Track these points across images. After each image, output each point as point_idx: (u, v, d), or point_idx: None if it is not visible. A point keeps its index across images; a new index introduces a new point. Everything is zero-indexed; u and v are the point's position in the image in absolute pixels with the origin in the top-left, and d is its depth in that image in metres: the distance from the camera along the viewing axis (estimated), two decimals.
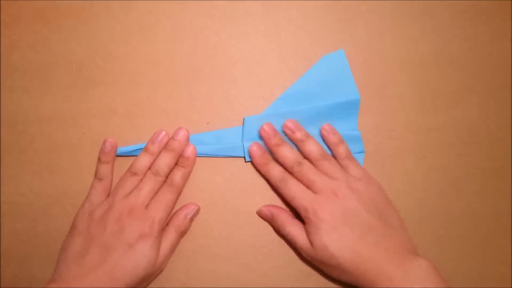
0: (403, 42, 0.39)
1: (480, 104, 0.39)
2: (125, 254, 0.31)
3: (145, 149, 0.36)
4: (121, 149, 0.37)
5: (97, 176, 0.36)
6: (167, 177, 0.36)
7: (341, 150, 0.36)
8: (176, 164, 0.36)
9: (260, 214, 0.37)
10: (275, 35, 0.39)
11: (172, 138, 0.36)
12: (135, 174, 0.35)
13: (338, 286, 0.37)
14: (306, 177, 0.35)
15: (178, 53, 0.38)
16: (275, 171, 0.36)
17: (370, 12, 0.39)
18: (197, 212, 0.37)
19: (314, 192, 0.34)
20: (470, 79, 0.39)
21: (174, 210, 0.37)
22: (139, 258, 0.32)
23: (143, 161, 0.36)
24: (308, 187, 0.35)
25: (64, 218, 0.37)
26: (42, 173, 0.38)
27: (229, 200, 0.38)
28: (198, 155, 0.37)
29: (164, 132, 0.36)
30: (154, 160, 0.36)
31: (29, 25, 0.38)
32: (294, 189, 0.35)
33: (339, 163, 0.36)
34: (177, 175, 0.36)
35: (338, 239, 0.32)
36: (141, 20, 0.38)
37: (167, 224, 0.36)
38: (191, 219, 0.37)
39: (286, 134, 0.37)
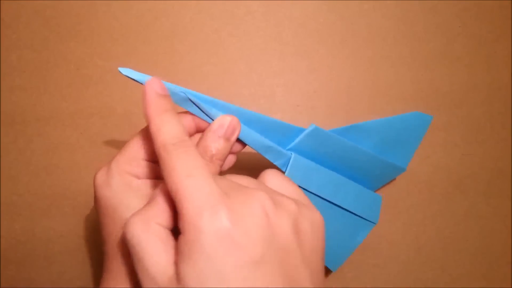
0: (406, 40, 0.39)
1: (484, 103, 0.39)
2: None
3: None
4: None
5: None
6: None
7: None
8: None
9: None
10: (276, 33, 0.39)
11: None
12: None
13: (341, 286, 0.36)
14: None
15: (177, 51, 0.38)
16: (171, 129, 0.22)
17: (372, 10, 0.39)
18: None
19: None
20: (474, 78, 0.39)
21: None
22: None
23: None
24: None
25: (62, 219, 0.37)
26: (39, 174, 0.37)
27: None
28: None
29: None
30: None
31: (27, 24, 0.38)
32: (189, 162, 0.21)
33: None
34: None
35: None
36: (140, 19, 0.38)
37: None
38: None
39: None
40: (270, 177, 0.24)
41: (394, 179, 0.37)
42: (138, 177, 0.25)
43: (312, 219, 0.22)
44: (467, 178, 0.38)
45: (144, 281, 0.20)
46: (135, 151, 0.26)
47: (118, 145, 0.37)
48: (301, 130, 0.29)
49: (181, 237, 0.19)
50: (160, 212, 0.21)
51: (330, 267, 0.33)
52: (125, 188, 0.25)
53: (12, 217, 0.37)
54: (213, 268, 0.18)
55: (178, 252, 0.19)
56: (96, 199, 0.26)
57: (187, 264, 0.18)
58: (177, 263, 0.19)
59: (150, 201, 0.22)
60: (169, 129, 0.22)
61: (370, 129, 0.32)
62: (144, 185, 0.25)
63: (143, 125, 0.37)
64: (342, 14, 0.39)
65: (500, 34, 0.39)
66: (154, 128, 0.23)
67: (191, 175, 0.20)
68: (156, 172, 0.26)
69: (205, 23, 0.38)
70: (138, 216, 0.21)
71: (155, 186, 0.26)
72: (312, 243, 0.22)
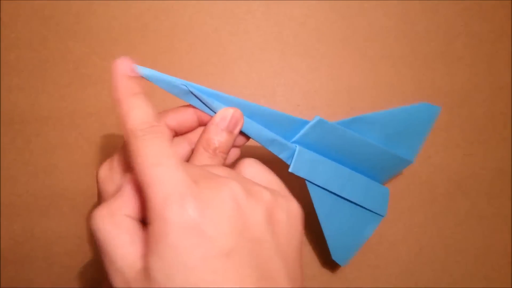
0: (407, 39, 0.39)
1: (486, 103, 0.39)
2: None
3: None
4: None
5: None
6: None
7: None
8: None
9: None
10: (276, 32, 0.38)
11: None
12: None
13: (342, 287, 0.36)
14: None
15: (177, 51, 0.38)
16: (141, 114, 0.21)
17: (373, 9, 0.39)
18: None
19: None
20: (475, 77, 0.39)
21: None
22: None
23: None
24: None
25: (60, 219, 0.37)
26: (38, 174, 0.37)
27: None
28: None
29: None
30: None
31: (26, 24, 0.38)
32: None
33: None
34: None
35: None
36: (139, 18, 0.38)
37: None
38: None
39: None
40: (247, 166, 0.24)
41: (399, 174, 0.37)
42: None
43: (288, 209, 0.21)
44: (469, 178, 0.38)
45: (112, 275, 0.19)
46: None
47: (117, 145, 0.37)
48: (306, 123, 0.29)
49: (149, 229, 0.18)
50: (128, 203, 0.20)
51: (339, 262, 0.32)
52: None
53: (11, 218, 0.37)
54: (180, 261, 0.17)
55: (146, 244, 0.18)
56: (99, 195, 0.25)
57: (154, 257, 0.18)
58: (144, 256, 0.18)
59: (118, 191, 0.21)
60: (138, 114, 0.21)
61: (376, 120, 0.31)
62: None
63: None
64: (342, 13, 0.39)
65: (501, 33, 0.39)
66: (122, 113, 0.21)
67: (159, 164, 0.19)
68: None
69: (205, 22, 0.38)
70: (104, 208, 0.20)
71: None
72: (288, 234, 0.21)
